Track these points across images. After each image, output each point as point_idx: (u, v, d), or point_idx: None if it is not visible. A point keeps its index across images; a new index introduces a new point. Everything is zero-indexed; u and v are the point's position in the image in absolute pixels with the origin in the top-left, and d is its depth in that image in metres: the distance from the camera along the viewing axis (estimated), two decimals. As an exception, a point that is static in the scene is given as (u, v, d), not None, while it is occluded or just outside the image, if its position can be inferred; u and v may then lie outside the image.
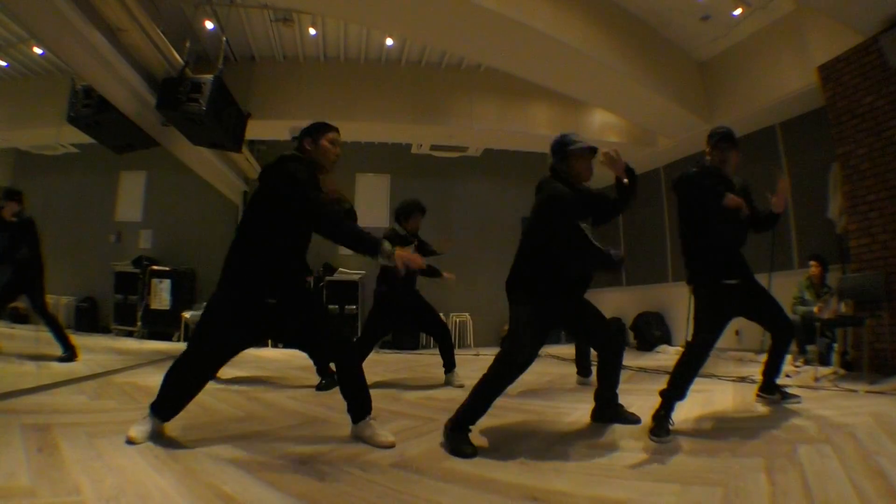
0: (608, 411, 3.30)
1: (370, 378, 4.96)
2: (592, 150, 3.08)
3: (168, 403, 2.74)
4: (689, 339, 3.34)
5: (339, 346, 2.91)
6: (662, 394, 3.09)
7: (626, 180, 3.04)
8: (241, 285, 2.74)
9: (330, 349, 2.96)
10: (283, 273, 2.80)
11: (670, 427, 2.93)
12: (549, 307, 2.92)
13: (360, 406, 2.86)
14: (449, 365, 5.05)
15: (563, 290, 2.97)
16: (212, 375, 2.90)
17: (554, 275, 2.92)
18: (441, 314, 5.34)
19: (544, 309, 2.90)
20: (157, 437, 2.67)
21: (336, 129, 3.06)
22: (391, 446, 2.66)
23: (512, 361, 2.82)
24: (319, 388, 4.51)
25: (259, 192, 2.83)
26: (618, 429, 3.13)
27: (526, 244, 3.05)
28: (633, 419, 3.25)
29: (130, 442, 2.55)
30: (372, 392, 4.50)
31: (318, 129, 3.02)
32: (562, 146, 3.09)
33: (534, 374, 5.68)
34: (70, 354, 5.37)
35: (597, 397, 3.34)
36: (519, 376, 2.82)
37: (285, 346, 2.99)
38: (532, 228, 3.03)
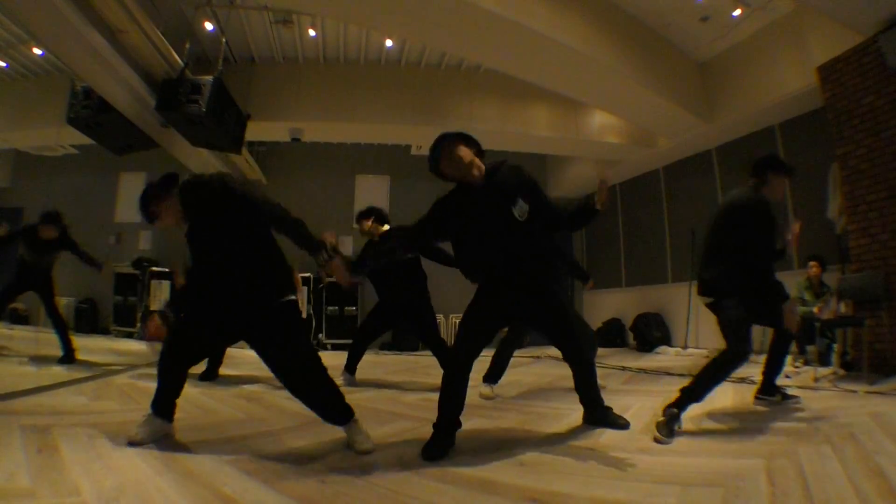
0: (595, 414, 3.23)
1: (370, 380, 4.99)
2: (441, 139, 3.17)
3: (160, 398, 2.76)
4: (725, 348, 3.27)
5: (305, 371, 2.77)
6: (683, 391, 3.10)
7: (599, 206, 2.93)
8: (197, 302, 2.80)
9: (296, 379, 2.80)
10: (219, 293, 2.73)
11: (676, 429, 2.93)
12: (481, 305, 2.95)
13: (333, 416, 2.79)
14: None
15: (485, 288, 2.97)
16: (187, 367, 2.83)
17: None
18: (440, 315, 5.32)
19: (476, 306, 2.96)
20: (162, 438, 2.69)
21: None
22: (368, 453, 2.63)
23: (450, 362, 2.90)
24: None
25: None
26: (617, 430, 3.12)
27: None
28: (620, 423, 3.16)
29: (132, 443, 2.55)
30: (371, 393, 4.56)
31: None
32: None
33: (533, 376, 5.69)
34: (69, 357, 5.38)
35: (582, 402, 3.28)
36: (461, 377, 2.83)
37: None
38: None
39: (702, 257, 3.66)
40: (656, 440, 2.83)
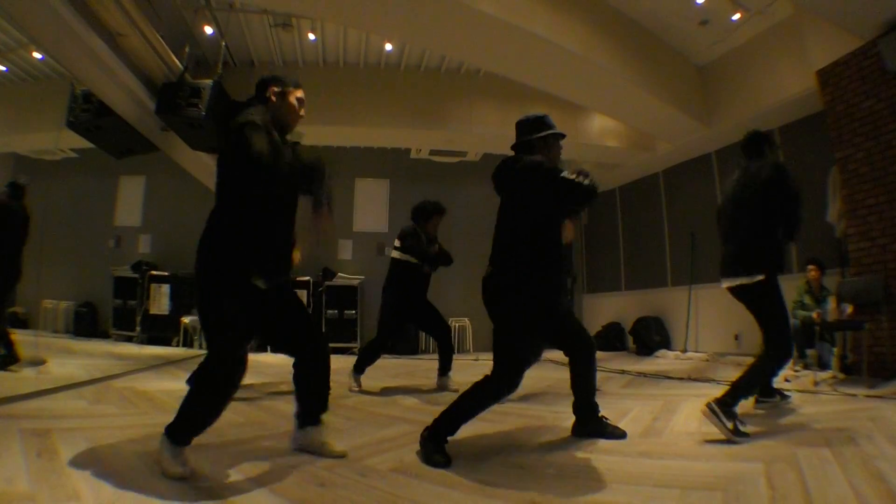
0: (590, 425, 3.10)
1: (368, 383, 4.99)
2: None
3: (191, 426, 2.35)
4: (771, 340, 3.34)
5: (317, 341, 2.72)
6: (735, 387, 3.13)
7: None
8: (234, 265, 2.36)
9: (307, 344, 2.67)
10: (275, 249, 2.52)
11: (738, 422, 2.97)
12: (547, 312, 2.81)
13: (318, 409, 2.71)
14: (444, 368, 5.05)
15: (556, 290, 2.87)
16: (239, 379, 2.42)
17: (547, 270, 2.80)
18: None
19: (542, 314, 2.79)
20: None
21: (302, 88, 2.77)
22: (343, 456, 2.59)
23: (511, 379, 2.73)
24: None
25: (223, 157, 2.52)
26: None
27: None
28: (617, 434, 3.05)
29: (179, 478, 2.18)
30: (371, 397, 4.56)
31: (286, 82, 2.70)
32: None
33: (533, 379, 5.67)
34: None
35: (575, 410, 3.16)
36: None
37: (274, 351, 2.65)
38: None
39: (734, 234, 3.64)
40: (732, 439, 2.86)
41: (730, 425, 2.90)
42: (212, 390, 2.35)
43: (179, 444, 2.28)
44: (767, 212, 3.46)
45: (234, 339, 2.38)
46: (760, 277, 3.38)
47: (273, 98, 2.64)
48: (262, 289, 2.42)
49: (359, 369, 4.99)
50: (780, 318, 3.38)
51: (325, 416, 2.73)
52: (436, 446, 2.58)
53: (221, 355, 2.36)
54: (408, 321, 5.27)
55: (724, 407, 2.97)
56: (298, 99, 2.71)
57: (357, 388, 4.86)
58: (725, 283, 3.61)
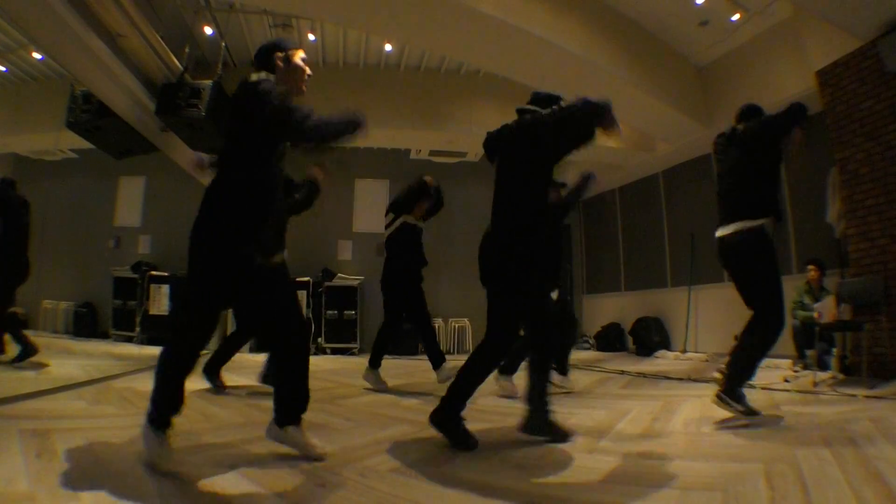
0: (536, 422, 2.95)
1: (369, 384, 4.99)
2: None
3: (165, 404, 2.34)
4: (763, 306, 3.32)
5: (299, 331, 2.56)
6: (728, 378, 3.18)
7: None
8: (231, 235, 2.32)
9: (288, 333, 2.53)
10: (272, 224, 2.47)
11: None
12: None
13: (299, 407, 2.57)
14: (437, 361, 4.92)
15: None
16: (200, 350, 2.42)
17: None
18: (439, 319, 5.30)
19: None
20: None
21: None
22: (323, 459, 2.49)
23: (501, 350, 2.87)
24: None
25: (233, 123, 2.62)
26: (617, 434, 3.12)
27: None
28: (562, 436, 2.92)
29: (168, 469, 2.22)
30: (371, 398, 4.55)
31: (288, 45, 2.70)
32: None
33: (533, 379, 5.68)
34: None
35: (528, 402, 3.00)
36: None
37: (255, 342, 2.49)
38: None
39: (731, 184, 3.63)
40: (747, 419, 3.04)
41: (740, 407, 3.11)
42: (172, 357, 2.37)
43: (161, 427, 2.31)
44: (758, 159, 3.55)
45: (204, 304, 2.39)
46: (762, 221, 3.35)
47: (280, 63, 2.66)
48: (254, 263, 2.36)
49: (374, 363, 4.96)
50: (773, 281, 3.31)
51: (304, 416, 2.62)
52: (457, 424, 2.69)
53: (184, 318, 2.38)
54: (409, 290, 5.08)
55: (730, 393, 3.15)
56: (303, 59, 2.72)
57: (379, 386, 4.87)
58: (721, 231, 3.52)
